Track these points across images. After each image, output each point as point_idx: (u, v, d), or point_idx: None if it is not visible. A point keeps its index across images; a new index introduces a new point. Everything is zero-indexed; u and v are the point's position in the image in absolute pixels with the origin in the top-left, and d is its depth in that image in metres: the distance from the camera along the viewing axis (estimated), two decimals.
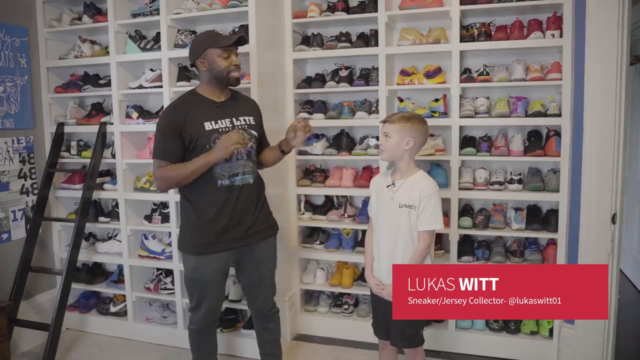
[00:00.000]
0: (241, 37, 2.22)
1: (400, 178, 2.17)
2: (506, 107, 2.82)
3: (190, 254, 2.26)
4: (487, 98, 2.90)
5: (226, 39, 2.21)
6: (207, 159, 2.12)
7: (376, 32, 2.96)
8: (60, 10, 3.30)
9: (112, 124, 3.16)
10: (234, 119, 2.24)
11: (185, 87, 2.94)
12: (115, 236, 3.37)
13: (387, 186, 2.19)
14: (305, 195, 3.27)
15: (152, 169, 2.23)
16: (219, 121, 2.19)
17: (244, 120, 2.27)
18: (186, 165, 2.14)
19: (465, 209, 3.04)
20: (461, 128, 2.92)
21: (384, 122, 2.18)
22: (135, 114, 3.10)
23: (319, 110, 3.13)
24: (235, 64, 2.20)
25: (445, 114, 2.94)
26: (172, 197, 3.01)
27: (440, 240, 3.09)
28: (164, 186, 2.23)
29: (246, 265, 2.35)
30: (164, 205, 3.14)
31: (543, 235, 2.86)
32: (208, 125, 2.17)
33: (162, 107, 3.03)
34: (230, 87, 2.31)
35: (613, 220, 2.47)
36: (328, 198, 3.31)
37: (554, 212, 2.83)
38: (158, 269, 3.26)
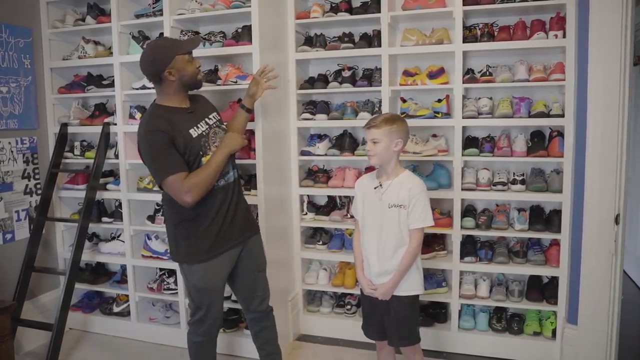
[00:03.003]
0: (197, 38, 2.28)
1: (387, 179, 2.20)
2: (509, 107, 2.81)
3: (197, 262, 2.18)
4: (490, 98, 2.90)
5: (189, 43, 2.19)
6: (223, 151, 2.13)
7: (379, 32, 2.96)
8: (64, 11, 3.31)
9: (115, 124, 3.17)
10: (207, 120, 2.24)
11: None
12: (118, 236, 3.37)
13: (375, 188, 2.21)
14: (308, 196, 3.26)
15: (171, 190, 2.03)
16: (198, 126, 2.17)
17: (213, 117, 2.28)
18: (207, 165, 2.09)
19: (468, 210, 3.04)
20: (464, 128, 2.92)
21: (368, 127, 2.17)
22: (138, 115, 3.11)
23: (321, 111, 3.13)
24: (199, 68, 2.20)
25: (448, 114, 2.94)
26: None
27: (443, 241, 3.09)
28: (198, 194, 2.03)
29: (244, 262, 2.33)
30: None
31: (546, 236, 2.85)
32: (194, 133, 2.13)
33: None
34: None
35: (616, 221, 2.46)
36: (331, 198, 3.31)
37: (557, 213, 2.83)
38: (161, 269, 3.26)
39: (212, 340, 2.38)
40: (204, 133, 2.18)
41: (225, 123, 2.37)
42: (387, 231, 2.17)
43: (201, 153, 2.13)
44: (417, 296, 2.25)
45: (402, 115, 2.75)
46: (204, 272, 2.20)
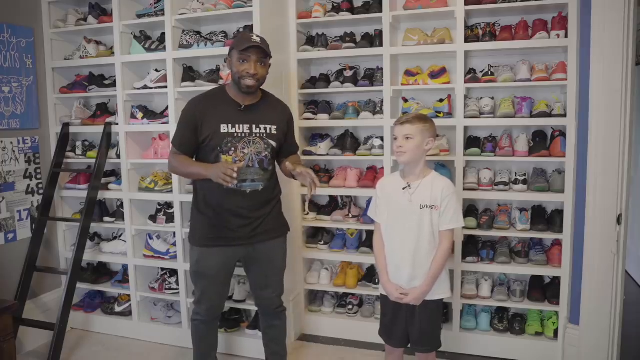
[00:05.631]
0: (259, 45, 2.14)
1: (415, 179, 2.14)
2: (511, 107, 2.81)
3: (195, 245, 2.31)
4: (492, 98, 2.89)
5: (244, 43, 2.15)
6: (201, 171, 2.15)
7: (381, 32, 2.96)
8: (66, 11, 3.31)
9: (117, 124, 3.17)
10: (253, 126, 2.21)
11: (189, 87, 2.95)
12: (120, 236, 3.38)
13: (403, 188, 2.14)
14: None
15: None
16: (237, 125, 2.18)
17: (264, 128, 2.23)
18: (188, 165, 2.23)
19: (470, 210, 3.03)
20: (466, 128, 2.92)
21: (403, 123, 2.10)
22: (140, 114, 3.11)
23: (323, 111, 3.13)
24: (248, 72, 2.13)
25: (449, 114, 2.94)
26: (177, 197, 3.01)
27: None
28: (171, 171, 2.40)
29: (252, 263, 2.37)
30: (169, 205, 3.14)
31: (548, 236, 2.85)
32: (224, 128, 2.16)
33: (167, 107, 3.04)
34: (262, 90, 2.32)
35: (618, 221, 2.46)
36: (332, 198, 3.31)
37: (558, 213, 2.82)
38: (163, 269, 3.26)
39: (211, 324, 2.43)
40: (236, 134, 2.17)
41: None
42: (419, 233, 2.10)
43: (219, 149, 2.16)
44: (442, 300, 2.20)
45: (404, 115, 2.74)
46: (197, 256, 2.31)
